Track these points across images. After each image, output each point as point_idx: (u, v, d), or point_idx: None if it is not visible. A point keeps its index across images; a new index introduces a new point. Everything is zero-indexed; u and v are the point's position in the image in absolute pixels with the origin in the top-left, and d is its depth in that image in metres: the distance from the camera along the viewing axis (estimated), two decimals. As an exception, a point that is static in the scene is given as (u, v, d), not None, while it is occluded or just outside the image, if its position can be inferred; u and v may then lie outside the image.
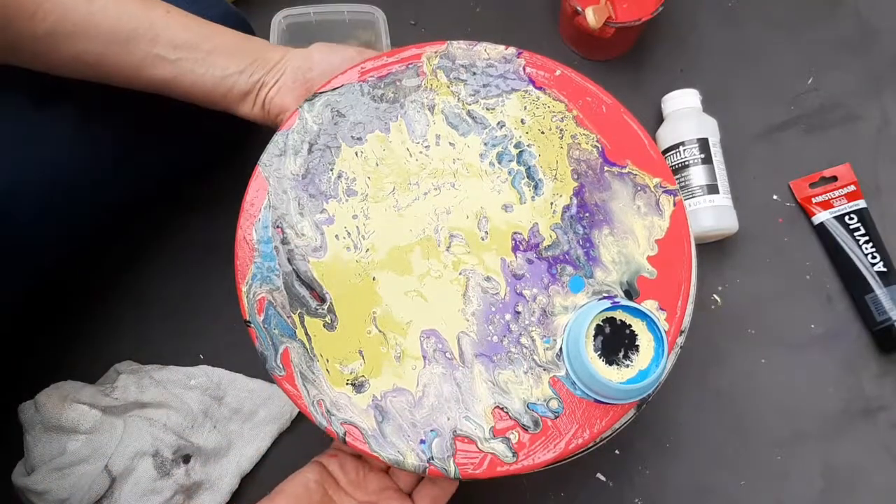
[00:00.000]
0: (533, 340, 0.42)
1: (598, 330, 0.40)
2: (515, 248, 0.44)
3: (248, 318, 0.42)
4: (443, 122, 0.46)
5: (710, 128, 0.66)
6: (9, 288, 0.51)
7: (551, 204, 0.44)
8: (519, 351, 0.42)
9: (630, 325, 0.40)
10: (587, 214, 0.44)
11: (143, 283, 0.65)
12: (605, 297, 0.42)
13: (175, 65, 0.47)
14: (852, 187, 0.66)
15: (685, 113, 0.67)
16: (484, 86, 0.46)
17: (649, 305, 0.42)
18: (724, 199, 0.64)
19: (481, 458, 0.40)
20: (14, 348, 0.61)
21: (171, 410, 0.55)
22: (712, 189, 0.64)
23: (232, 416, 0.58)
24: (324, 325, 0.42)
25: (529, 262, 0.43)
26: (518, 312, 0.42)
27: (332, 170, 0.44)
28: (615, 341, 0.40)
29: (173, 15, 0.47)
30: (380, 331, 0.42)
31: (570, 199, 0.45)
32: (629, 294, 0.42)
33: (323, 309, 0.42)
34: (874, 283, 0.62)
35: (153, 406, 0.55)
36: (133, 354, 0.62)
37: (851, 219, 0.64)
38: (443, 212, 0.44)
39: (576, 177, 0.45)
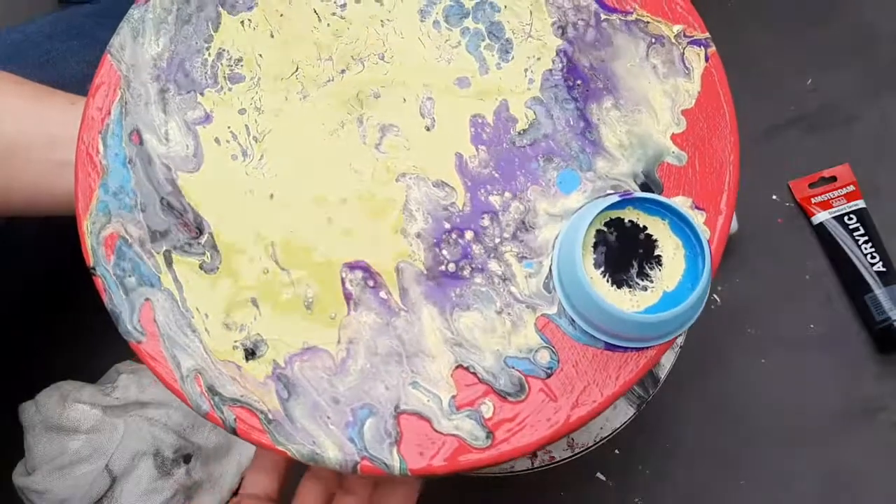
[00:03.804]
0: (508, 266, 0.28)
1: (600, 238, 0.26)
2: (476, 139, 0.30)
3: (92, 265, 0.29)
4: (363, -29, 0.32)
5: (710, 127, 0.64)
6: None
7: (525, 71, 0.31)
8: (487, 282, 0.28)
9: (646, 228, 0.26)
10: (579, 82, 0.30)
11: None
12: (611, 195, 0.28)
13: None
14: (852, 187, 0.66)
15: (686, 113, 0.65)
16: (419, -85, 0.33)
17: (680, 203, 0.28)
18: (724, 198, 0.61)
19: (440, 443, 0.26)
20: (14, 348, 0.61)
21: (172, 410, 0.55)
22: (713, 189, 0.61)
23: (233, 415, 0.55)
24: (201, 267, 0.29)
25: (497, 155, 0.30)
26: (483, 228, 0.29)
27: (208, 49, 0.31)
28: (625, 252, 0.26)
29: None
30: (282, 268, 0.29)
31: (553, 61, 0.31)
32: (648, 190, 0.29)
33: (199, 244, 0.29)
34: (874, 283, 0.62)
35: (154, 406, 0.55)
36: (133, 354, 0.59)
37: (851, 219, 0.65)
38: (369, 95, 0.31)
39: (559, 32, 0.31)
